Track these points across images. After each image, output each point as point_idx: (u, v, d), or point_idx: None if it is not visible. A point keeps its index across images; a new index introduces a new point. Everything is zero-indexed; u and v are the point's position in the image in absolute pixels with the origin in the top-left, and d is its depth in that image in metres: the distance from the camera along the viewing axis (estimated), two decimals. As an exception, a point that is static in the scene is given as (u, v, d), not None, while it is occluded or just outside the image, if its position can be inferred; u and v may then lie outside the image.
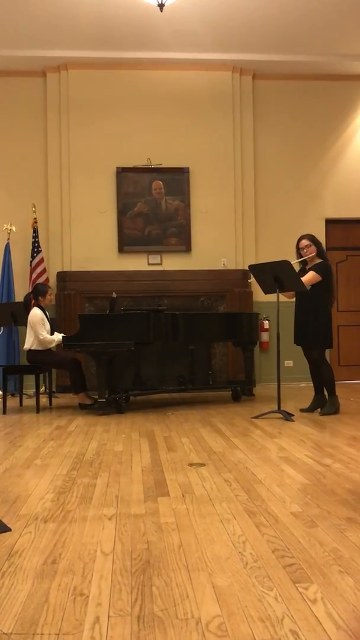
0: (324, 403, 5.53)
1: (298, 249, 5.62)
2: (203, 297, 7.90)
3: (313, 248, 5.53)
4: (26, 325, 6.33)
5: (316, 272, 5.43)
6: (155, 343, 6.15)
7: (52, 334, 6.21)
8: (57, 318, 7.45)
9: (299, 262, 5.58)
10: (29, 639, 1.57)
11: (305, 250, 5.56)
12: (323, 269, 5.45)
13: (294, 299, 5.64)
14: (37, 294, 6.32)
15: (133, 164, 7.91)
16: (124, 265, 7.88)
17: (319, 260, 5.54)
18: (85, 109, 7.88)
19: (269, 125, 8.24)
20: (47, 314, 6.31)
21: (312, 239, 5.59)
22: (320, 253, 5.57)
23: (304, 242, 5.58)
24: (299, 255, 5.60)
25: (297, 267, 5.52)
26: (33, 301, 6.27)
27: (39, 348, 6.12)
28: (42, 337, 6.06)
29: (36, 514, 2.63)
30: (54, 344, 6.10)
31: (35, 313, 6.14)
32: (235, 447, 4.00)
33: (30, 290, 6.77)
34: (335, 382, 5.59)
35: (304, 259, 5.56)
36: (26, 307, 6.31)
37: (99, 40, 7.30)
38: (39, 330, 6.06)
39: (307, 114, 8.29)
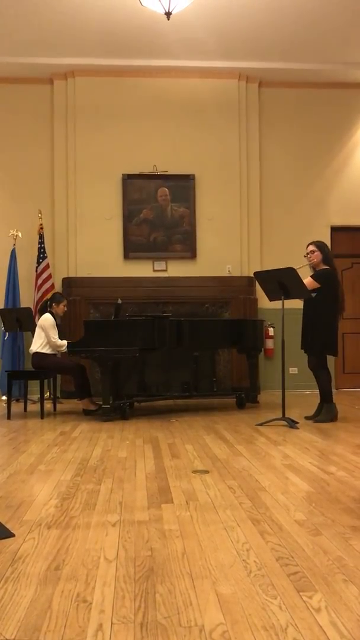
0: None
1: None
2: (208, 304, 7.89)
3: (317, 254, 5.55)
4: (31, 331, 6.35)
5: (314, 279, 5.46)
6: (159, 349, 6.14)
7: None
8: (62, 324, 7.45)
9: (303, 266, 5.58)
10: (31, 646, 1.57)
11: (309, 256, 5.59)
12: (322, 276, 5.46)
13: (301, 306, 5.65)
14: (52, 300, 6.49)
15: (139, 170, 7.94)
16: (129, 271, 7.89)
17: (323, 267, 5.55)
18: (91, 115, 7.91)
19: (275, 133, 8.26)
20: (57, 321, 6.35)
21: (319, 245, 5.61)
22: (326, 260, 5.58)
23: (310, 247, 5.62)
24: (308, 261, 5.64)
25: (307, 271, 5.53)
26: (48, 308, 6.38)
27: (47, 351, 6.17)
28: (54, 340, 6.14)
29: (40, 519, 2.62)
30: (63, 349, 6.14)
31: (47, 317, 6.25)
32: (239, 455, 3.99)
33: (42, 297, 6.91)
34: (332, 390, 5.59)
35: (307, 264, 5.59)
36: (42, 312, 6.41)
37: (106, 47, 7.34)
38: (51, 334, 6.15)
39: (313, 121, 8.31)
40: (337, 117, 8.33)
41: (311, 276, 5.50)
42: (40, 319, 6.31)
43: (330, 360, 5.85)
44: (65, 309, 6.64)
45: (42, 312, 6.42)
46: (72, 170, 7.90)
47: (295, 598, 1.81)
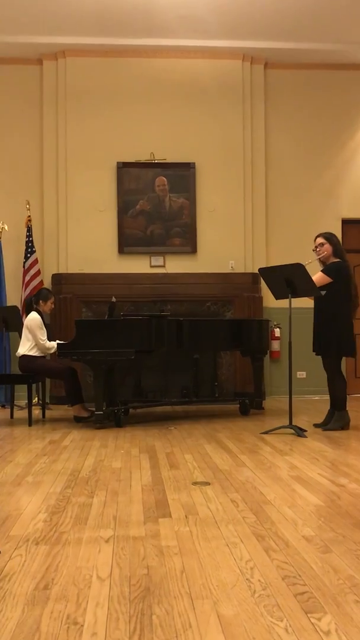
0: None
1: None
2: (209, 302, 7.91)
3: (327, 247, 5.52)
4: (18, 332, 6.34)
5: (325, 273, 5.43)
6: (157, 351, 6.15)
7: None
8: (51, 323, 7.46)
9: (312, 262, 5.56)
10: (18, 671, 1.57)
11: (318, 249, 5.56)
12: (333, 270, 5.43)
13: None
14: (38, 297, 6.43)
15: (135, 158, 7.95)
16: (124, 267, 7.90)
17: (334, 260, 5.53)
18: (84, 99, 7.92)
19: (282, 118, 8.27)
20: (45, 320, 6.33)
21: (328, 237, 5.57)
22: (337, 252, 5.55)
23: (318, 240, 5.59)
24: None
25: (316, 267, 5.52)
26: (34, 305, 6.33)
27: (35, 354, 6.15)
28: (42, 342, 6.11)
29: (27, 535, 2.62)
30: (52, 351, 6.13)
31: (34, 317, 6.19)
32: (242, 465, 4.00)
33: (30, 294, 6.87)
34: (347, 397, 5.57)
35: (316, 259, 5.56)
36: (28, 311, 6.37)
37: (99, 26, 7.34)
38: (39, 335, 6.11)
39: (322, 105, 8.32)
40: (349, 101, 8.34)
41: (322, 270, 5.48)
42: (27, 319, 6.26)
43: (341, 363, 5.84)
44: (53, 306, 6.62)
45: (28, 310, 6.39)
46: (62, 158, 7.91)
47: (303, 620, 1.81)
